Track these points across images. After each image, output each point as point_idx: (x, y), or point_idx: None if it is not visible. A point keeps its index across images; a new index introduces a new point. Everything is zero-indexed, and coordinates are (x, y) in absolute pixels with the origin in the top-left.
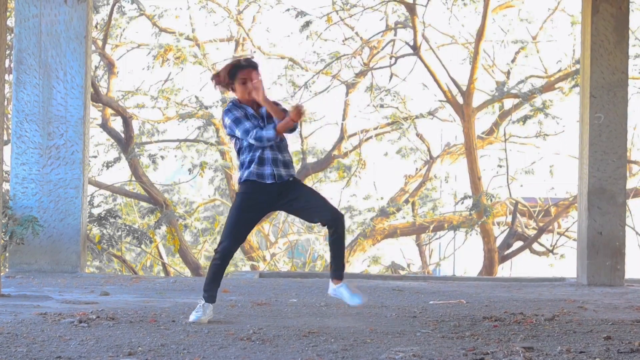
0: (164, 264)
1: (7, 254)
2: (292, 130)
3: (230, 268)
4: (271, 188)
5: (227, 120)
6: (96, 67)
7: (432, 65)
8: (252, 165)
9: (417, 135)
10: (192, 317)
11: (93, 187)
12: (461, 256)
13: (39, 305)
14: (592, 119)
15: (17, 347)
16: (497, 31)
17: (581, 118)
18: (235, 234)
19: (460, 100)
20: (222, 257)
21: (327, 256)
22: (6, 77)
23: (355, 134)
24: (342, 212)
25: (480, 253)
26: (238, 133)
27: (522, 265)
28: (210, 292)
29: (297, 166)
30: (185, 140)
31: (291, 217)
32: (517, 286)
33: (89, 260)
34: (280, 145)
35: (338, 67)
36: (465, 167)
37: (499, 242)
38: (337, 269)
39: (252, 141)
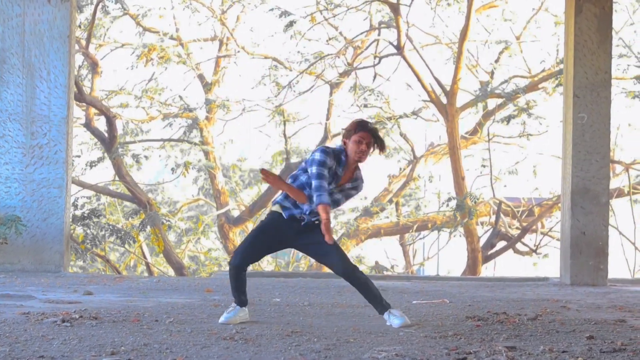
0: (147, 264)
1: None
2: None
3: (214, 268)
4: (293, 225)
5: (317, 155)
6: (80, 67)
7: (415, 65)
8: (287, 202)
9: (401, 135)
10: (222, 318)
11: (76, 187)
12: (445, 256)
13: (22, 304)
14: (575, 119)
15: None
16: (481, 31)
17: (564, 118)
18: (249, 252)
19: (444, 100)
20: (234, 271)
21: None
22: None
23: (339, 134)
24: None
25: (464, 253)
26: (313, 169)
27: (506, 265)
28: (238, 297)
29: (280, 166)
30: (169, 140)
31: None
32: (500, 286)
33: (73, 260)
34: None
35: (322, 66)
36: (449, 167)
37: (482, 242)
38: (375, 306)
39: (312, 193)
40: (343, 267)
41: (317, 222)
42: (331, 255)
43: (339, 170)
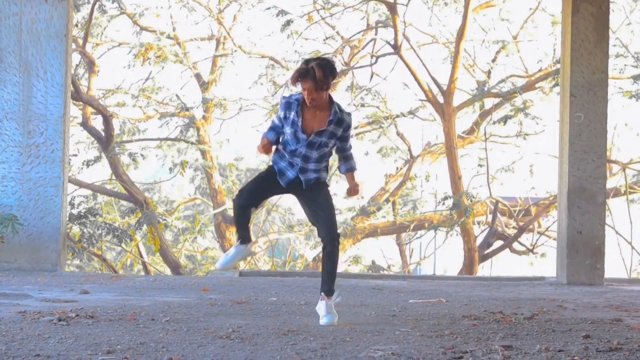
0: (144, 263)
1: None
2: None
3: (210, 267)
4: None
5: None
6: (77, 66)
7: (412, 65)
8: (282, 162)
9: (398, 134)
10: (218, 264)
11: (73, 186)
12: (441, 255)
13: (19, 303)
14: (572, 118)
15: None
16: (478, 31)
17: (561, 117)
18: (253, 194)
19: (440, 99)
20: (239, 210)
21: (308, 255)
22: None
23: None
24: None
25: (461, 252)
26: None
27: (502, 265)
28: (241, 234)
29: None
30: (166, 139)
31: (272, 216)
32: (496, 285)
33: (69, 259)
34: (313, 157)
35: None
36: (446, 167)
37: (479, 241)
38: (322, 282)
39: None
40: (329, 229)
41: (313, 181)
42: (322, 213)
43: (289, 114)
